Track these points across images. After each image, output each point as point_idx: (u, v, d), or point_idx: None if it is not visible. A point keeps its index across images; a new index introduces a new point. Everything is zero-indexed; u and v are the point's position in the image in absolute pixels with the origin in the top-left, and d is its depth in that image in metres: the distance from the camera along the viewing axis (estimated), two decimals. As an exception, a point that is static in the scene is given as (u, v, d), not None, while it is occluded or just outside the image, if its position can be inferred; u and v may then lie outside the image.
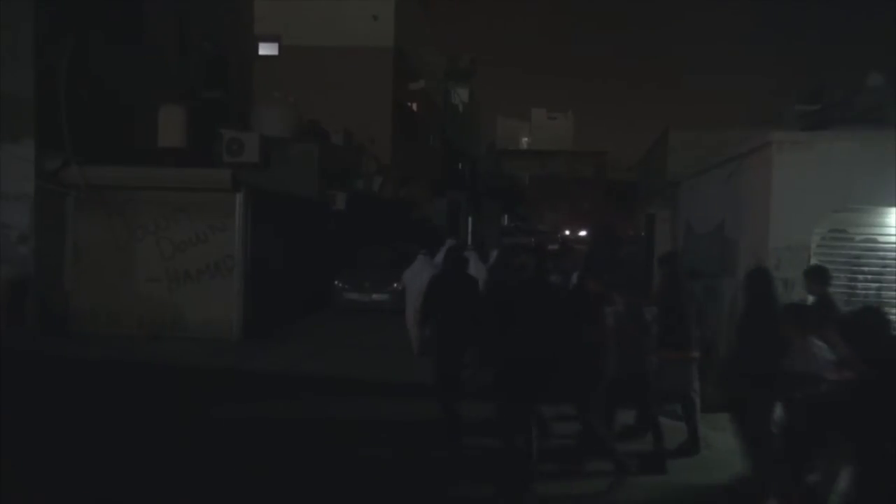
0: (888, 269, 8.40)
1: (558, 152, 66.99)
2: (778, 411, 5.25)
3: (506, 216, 50.56)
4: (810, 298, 6.74)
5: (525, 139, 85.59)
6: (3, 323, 10.59)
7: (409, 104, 30.12)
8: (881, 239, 8.45)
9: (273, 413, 7.88)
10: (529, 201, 54.71)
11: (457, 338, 6.86)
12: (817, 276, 6.80)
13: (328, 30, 26.06)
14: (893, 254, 8.41)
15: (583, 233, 45.75)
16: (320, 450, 6.71)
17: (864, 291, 8.30)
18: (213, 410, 7.85)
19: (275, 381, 9.35)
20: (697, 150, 16.72)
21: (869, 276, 8.29)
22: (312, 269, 15.17)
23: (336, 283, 15.59)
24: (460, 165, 39.93)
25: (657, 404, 6.74)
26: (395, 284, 14.12)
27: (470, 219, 35.16)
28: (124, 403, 7.94)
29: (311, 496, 5.76)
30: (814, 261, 8.47)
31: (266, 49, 25.56)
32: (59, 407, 7.68)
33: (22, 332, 10.64)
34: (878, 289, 8.26)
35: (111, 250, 11.76)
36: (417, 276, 10.24)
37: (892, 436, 3.54)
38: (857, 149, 8.43)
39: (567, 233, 45.89)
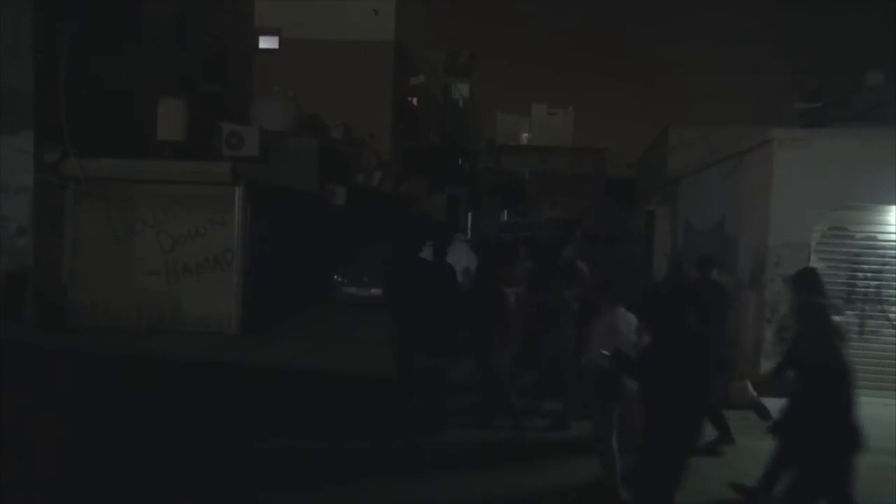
0: (888, 267, 8.41)
1: (558, 148, 66.79)
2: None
3: (505, 212, 50.49)
4: None
5: (525, 135, 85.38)
6: (2, 316, 10.57)
7: (410, 99, 30.06)
8: (881, 237, 8.47)
9: (271, 407, 7.87)
10: (529, 197, 54.59)
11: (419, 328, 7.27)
12: (700, 264, 7.85)
13: (329, 24, 25.99)
14: (893, 251, 8.43)
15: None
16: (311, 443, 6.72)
17: (863, 289, 8.31)
18: (211, 405, 7.85)
19: (273, 376, 9.34)
20: (697, 148, 16.73)
21: (869, 274, 8.31)
22: (312, 263, 15.16)
23: (335, 277, 15.58)
24: (460, 161, 39.86)
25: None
26: (394, 279, 14.09)
27: (469, 214, 35.16)
28: (122, 397, 7.94)
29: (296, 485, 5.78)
30: (814, 258, 8.50)
31: (266, 42, 25.50)
32: (56, 400, 7.68)
33: (20, 325, 10.62)
34: (878, 286, 8.28)
35: (110, 243, 11.74)
36: None
37: (671, 390, 4.30)
38: (857, 147, 8.44)
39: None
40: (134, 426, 6.91)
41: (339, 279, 15.56)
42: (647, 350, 4.72)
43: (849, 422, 4.71)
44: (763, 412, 6.97)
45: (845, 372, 4.76)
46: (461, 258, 10.34)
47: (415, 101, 30.70)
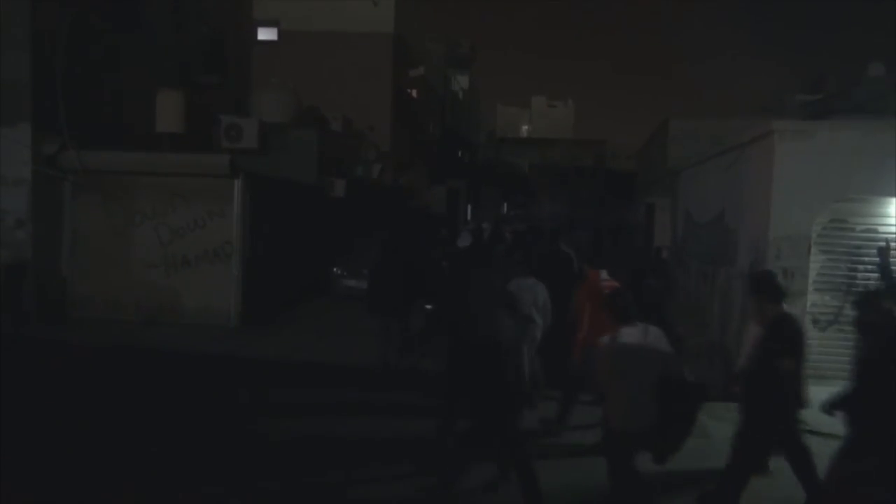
0: (889, 260, 8.35)
1: (558, 140, 66.66)
2: None
3: (505, 204, 50.44)
4: None
5: (525, 127, 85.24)
6: (1, 308, 10.56)
7: (409, 91, 29.98)
8: (882, 229, 8.43)
9: (270, 400, 7.87)
10: (529, 189, 54.54)
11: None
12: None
13: (328, 15, 25.91)
14: (894, 244, 8.37)
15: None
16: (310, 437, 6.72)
17: (863, 281, 8.28)
18: (210, 397, 7.84)
19: (273, 368, 9.34)
20: (698, 140, 16.67)
21: (869, 266, 8.27)
22: (311, 255, 15.14)
23: (334, 270, 15.56)
24: (460, 153, 39.80)
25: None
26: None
27: (469, 207, 35.13)
28: (121, 390, 7.93)
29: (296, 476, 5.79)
30: (815, 251, 8.47)
31: (265, 34, 25.41)
32: (55, 393, 7.68)
33: (19, 318, 10.61)
34: (878, 279, 8.22)
35: (109, 236, 11.71)
36: None
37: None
38: (858, 139, 8.39)
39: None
40: (132, 418, 6.90)
41: (339, 272, 15.54)
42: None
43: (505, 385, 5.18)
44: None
45: (499, 342, 5.22)
46: None
47: (414, 93, 30.63)
